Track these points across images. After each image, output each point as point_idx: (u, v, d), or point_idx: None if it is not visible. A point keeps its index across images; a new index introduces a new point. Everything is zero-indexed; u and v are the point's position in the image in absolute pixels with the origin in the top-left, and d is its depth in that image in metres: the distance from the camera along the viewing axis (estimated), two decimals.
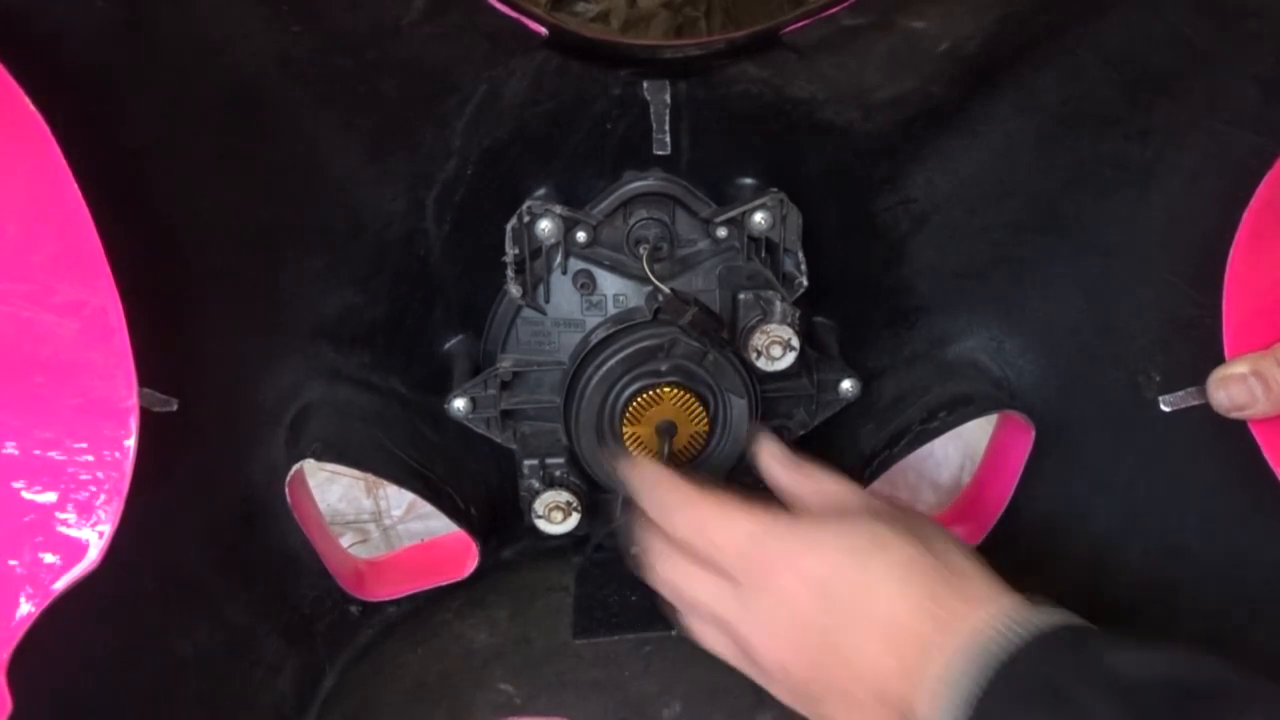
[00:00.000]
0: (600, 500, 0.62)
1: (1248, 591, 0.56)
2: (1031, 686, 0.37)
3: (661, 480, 0.50)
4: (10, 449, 0.43)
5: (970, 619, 0.40)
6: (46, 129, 0.38)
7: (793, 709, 0.47)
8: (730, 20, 0.92)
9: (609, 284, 0.58)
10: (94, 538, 0.43)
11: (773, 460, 0.53)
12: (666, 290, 0.55)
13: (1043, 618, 0.40)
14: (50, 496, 0.43)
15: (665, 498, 0.49)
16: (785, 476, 0.52)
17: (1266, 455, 0.52)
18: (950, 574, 0.43)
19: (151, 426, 0.45)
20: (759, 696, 0.57)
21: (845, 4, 0.48)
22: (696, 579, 0.48)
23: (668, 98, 0.53)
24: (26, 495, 0.43)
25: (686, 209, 0.57)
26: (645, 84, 0.53)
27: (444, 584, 0.64)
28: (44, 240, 0.41)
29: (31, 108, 0.38)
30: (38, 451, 0.43)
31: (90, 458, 0.43)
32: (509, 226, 0.56)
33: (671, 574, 0.50)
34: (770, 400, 0.61)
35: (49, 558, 0.43)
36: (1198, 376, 0.53)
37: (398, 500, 0.91)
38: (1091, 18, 0.50)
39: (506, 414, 0.60)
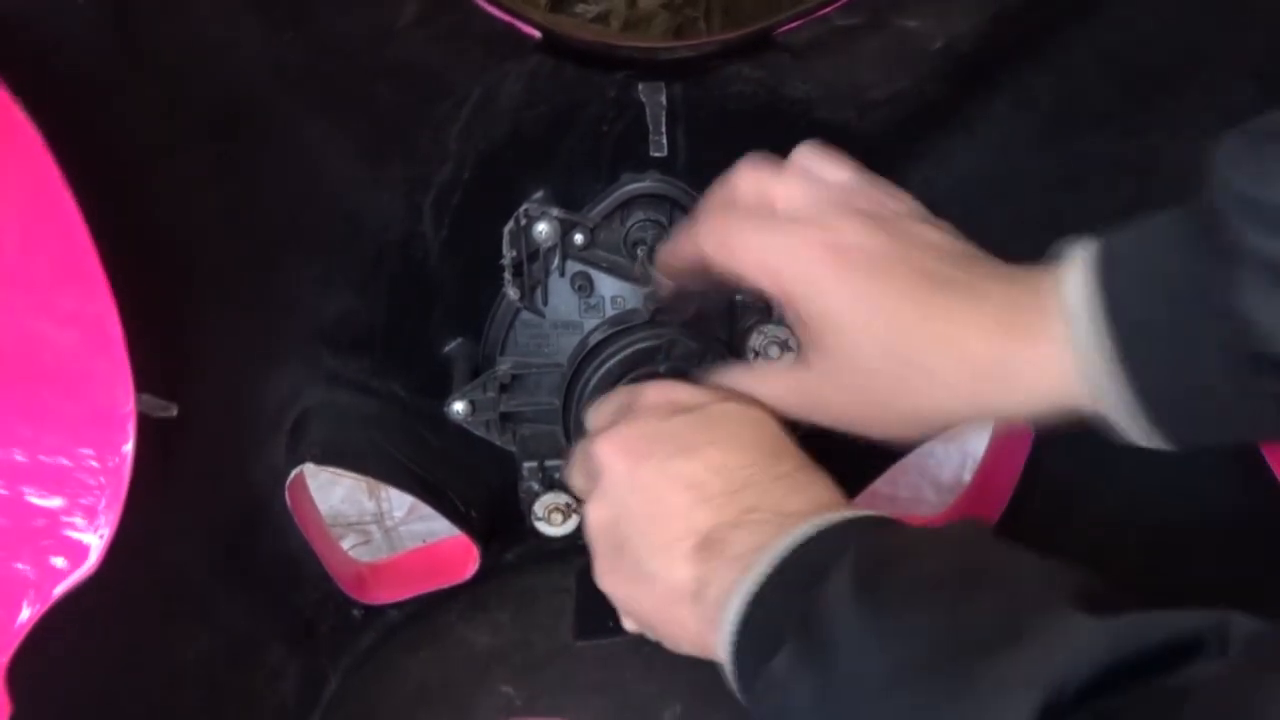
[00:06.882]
0: None
1: (1248, 585, 0.56)
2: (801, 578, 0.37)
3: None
4: (20, 456, 0.44)
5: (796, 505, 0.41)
6: (40, 139, 0.39)
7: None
8: (730, 21, 0.92)
9: (607, 286, 0.58)
10: (95, 541, 0.44)
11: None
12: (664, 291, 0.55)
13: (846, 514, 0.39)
14: (57, 501, 0.44)
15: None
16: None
17: (1263, 449, 0.52)
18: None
19: (151, 432, 0.45)
20: None
21: (838, 4, 0.48)
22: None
23: (663, 99, 0.53)
24: (34, 500, 0.44)
25: (684, 210, 0.57)
26: (640, 86, 0.52)
27: (446, 587, 0.64)
28: (43, 251, 0.41)
29: (24, 117, 0.38)
30: (45, 458, 0.44)
31: (95, 464, 0.44)
32: (506, 229, 0.56)
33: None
34: None
35: (57, 561, 0.43)
36: None
37: (400, 501, 0.92)
38: (1087, 14, 0.50)
39: (505, 416, 0.60)
